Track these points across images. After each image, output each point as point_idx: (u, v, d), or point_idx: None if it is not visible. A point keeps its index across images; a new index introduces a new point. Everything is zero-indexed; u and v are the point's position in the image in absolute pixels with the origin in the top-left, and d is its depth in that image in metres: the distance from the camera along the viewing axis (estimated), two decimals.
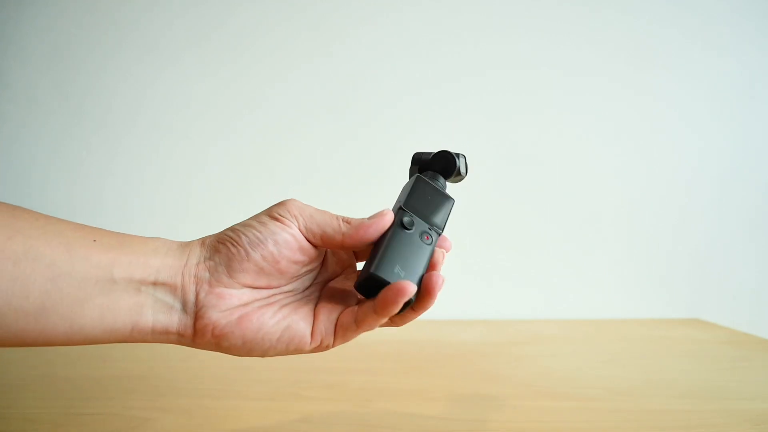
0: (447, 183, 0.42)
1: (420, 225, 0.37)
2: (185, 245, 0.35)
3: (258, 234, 0.34)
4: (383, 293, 0.33)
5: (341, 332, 0.35)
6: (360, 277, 0.35)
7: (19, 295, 0.28)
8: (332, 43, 0.97)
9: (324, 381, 0.61)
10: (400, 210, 0.37)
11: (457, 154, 0.41)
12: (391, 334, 0.84)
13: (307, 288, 0.38)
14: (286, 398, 0.55)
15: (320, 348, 0.36)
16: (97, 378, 0.60)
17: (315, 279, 0.39)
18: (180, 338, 0.33)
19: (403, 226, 0.36)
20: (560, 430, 0.49)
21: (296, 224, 0.34)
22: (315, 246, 0.36)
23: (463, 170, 0.42)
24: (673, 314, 1.03)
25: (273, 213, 0.34)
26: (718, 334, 0.89)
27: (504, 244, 1.00)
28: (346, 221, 0.35)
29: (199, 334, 0.33)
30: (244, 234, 0.34)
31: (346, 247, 0.36)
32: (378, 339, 0.80)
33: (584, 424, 0.51)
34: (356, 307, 0.35)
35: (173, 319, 0.33)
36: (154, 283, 0.32)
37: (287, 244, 0.34)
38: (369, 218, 0.36)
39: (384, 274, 0.34)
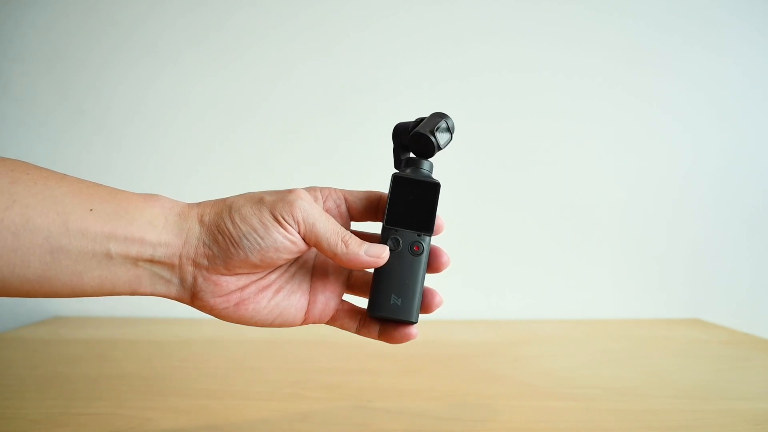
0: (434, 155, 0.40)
1: (407, 237, 0.37)
2: (183, 216, 0.34)
3: (260, 240, 0.33)
4: (389, 330, 0.37)
5: (339, 326, 0.39)
6: (368, 308, 0.37)
7: (20, 264, 0.30)
8: (333, 43, 0.97)
9: (324, 381, 0.61)
10: (384, 229, 0.37)
11: (433, 129, 0.38)
12: None
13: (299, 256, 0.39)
14: (286, 398, 0.55)
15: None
16: (97, 378, 0.60)
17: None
18: (179, 301, 0.35)
19: (390, 249, 0.37)
20: (560, 430, 0.49)
21: (297, 229, 0.34)
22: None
23: (443, 143, 0.38)
24: (673, 314, 1.03)
25: (277, 214, 0.33)
26: (718, 334, 0.89)
27: (504, 245, 1.00)
28: (345, 242, 0.34)
29: (197, 306, 0.35)
30: (245, 237, 0.33)
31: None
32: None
33: (584, 424, 0.51)
34: (360, 316, 0.39)
35: (171, 290, 0.34)
36: (151, 261, 0.33)
37: (287, 249, 0.34)
38: (366, 252, 0.35)
39: (382, 312, 0.36)
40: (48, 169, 0.32)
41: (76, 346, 0.76)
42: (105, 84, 0.95)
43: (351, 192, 0.39)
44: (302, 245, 0.34)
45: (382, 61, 0.98)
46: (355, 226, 0.40)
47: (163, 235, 0.33)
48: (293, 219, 0.33)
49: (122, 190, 0.34)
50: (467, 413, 0.53)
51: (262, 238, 0.33)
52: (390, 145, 0.41)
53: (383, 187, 0.40)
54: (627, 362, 0.72)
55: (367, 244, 0.35)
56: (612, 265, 1.02)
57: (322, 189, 0.38)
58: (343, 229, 0.35)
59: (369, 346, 0.77)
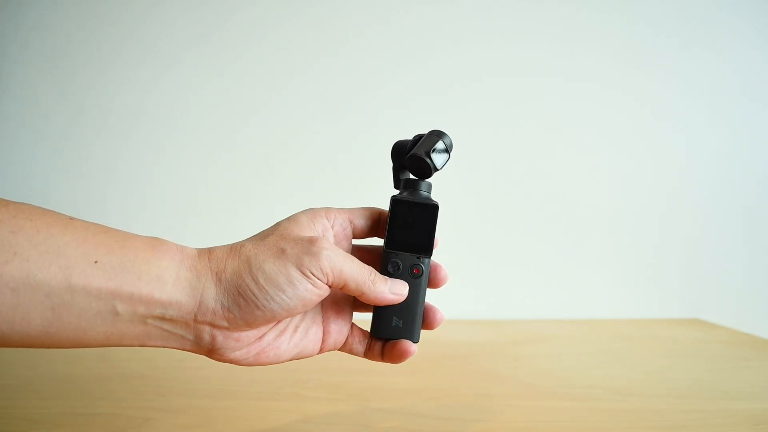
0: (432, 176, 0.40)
1: (407, 260, 0.38)
2: (196, 272, 0.32)
3: (288, 301, 0.32)
4: (388, 349, 0.38)
5: (348, 351, 0.39)
6: (371, 330, 0.39)
7: (20, 322, 0.28)
8: (337, 45, 0.97)
9: (324, 381, 0.61)
10: (384, 253, 0.38)
11: (429, 151, 0.38)
12: None
13: None
14: (286, 398, 0.56)
15: None
16: (98, 378, 0.60)
17: None
18: (194, 353, 0.34)
19: (390, 273, 0.38)
20: (560, 430, 0.50)
21: (326, 280, 0.33)
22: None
23: (440, 164, 0.38)
24: (672, 314, 1.03)
25: (305, 269, 0.32)
26: (718, 334, 0.90)
27: (503, 244, 1.00)
28: (372, 281, 0.35)
29: (214, 359, 0.34)
30: (272, 299, 0.32)
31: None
32: None
33: (584, 424, 0.51)
34: (367, 340, 0.39)
35: (185, 345, 0.33)
36: (162, 318, 0.31)
37: (313, 302, 0.33)
38: (390, 290, 0.36)
39: (384, 334, 0.38)
40: (53, 213, 0.31)
41: None
42: (106, 84, 0.95)
43: (353, 211, 0.39)
44: (327, 293, 0.34)
45: (386, 63, 0.98)
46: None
47: (175, 293, 0.31)
48: (322, 272, 0.32)
49: (129, 235, 0.32)
50: (467, 413, 0.53)
51: (290, 298, 0.32)
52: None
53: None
54: (627, 362, 0.73)
55: (390, 281, 0.36)
56: (612, 266, 1.02)
57: (327, 212, 0.37)
58: (367, 267, 0.35)
59: None
